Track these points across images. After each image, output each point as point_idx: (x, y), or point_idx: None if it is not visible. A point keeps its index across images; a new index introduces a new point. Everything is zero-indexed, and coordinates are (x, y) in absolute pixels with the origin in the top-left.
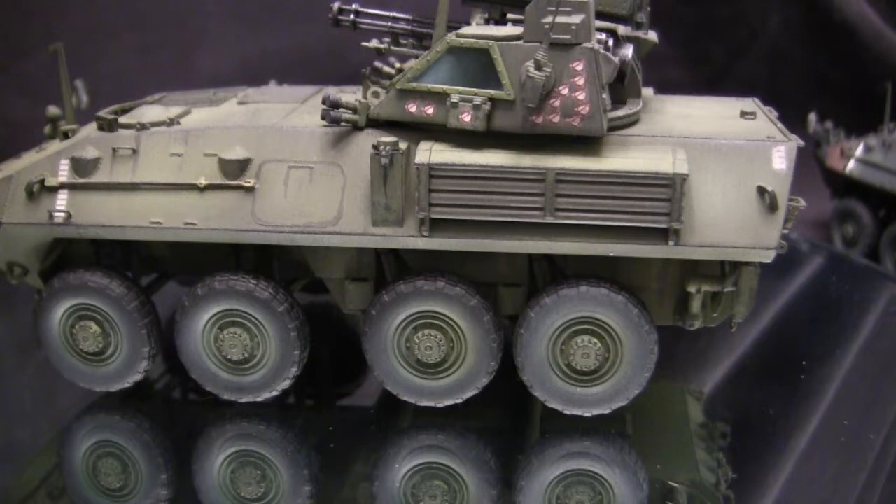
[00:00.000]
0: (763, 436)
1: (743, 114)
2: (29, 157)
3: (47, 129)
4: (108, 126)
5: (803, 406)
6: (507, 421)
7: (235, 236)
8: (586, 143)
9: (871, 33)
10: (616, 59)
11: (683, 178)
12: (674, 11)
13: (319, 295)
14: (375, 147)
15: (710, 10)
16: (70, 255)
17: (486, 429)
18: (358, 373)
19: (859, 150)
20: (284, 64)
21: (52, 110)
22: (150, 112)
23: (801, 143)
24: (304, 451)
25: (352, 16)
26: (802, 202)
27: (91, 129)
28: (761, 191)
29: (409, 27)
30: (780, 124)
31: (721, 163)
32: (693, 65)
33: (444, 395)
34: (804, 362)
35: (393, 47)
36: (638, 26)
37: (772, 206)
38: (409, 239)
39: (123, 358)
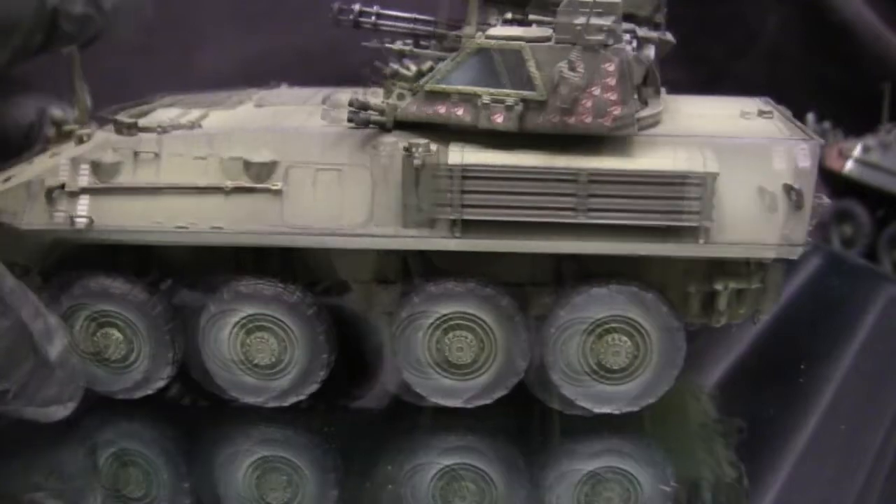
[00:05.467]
0: (763, 436)
1: (760, 112)
2: (42, 163)
3: (52, 132)
4: (128, 130)
5: (802, 406)
6: (528, 418)
7: (264, 240)
8: (614, 143)
9: (869, 34)
10: (645, 60)
11: (714, 176)
12: (673, 11)
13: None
14: (407, 149)
15: (710, 10)
16: (74, 253)
17: (510, 426)
18: (375, 372)
19: (857, 151)
20: (284, 64)
21: (58, 114)
22: (168, 115)
23: (823, 141)
24: (330, 455)
25: (373, 18)
26: (826, 199)
27: (107, 132)
28: (787, 189)
29: (430, 28)
30: (798, 123)
31: (747, 162)
32: (692, 65)
33: (475, 396)
34: (803, 365)
35: (415, 49)
36: (656, 27)
37: (798, 204)
38: (441, 240)
39: (147, 364)
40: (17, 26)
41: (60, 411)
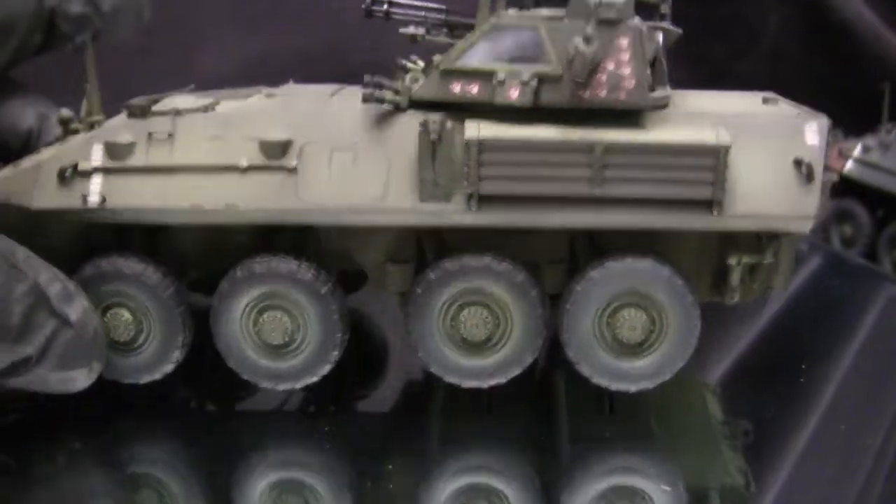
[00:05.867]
0: (763, 436)
1: (765, 100)
2: (50, 152)
3: (58, 131)
4: (142, 112)
5: (803, 406)
6: (538, 427)
7: (279, 217)
8: (628, 119)
9: (869, 34)
10: (658, 38)
11: (727, 148)
12: (675, 11)
13: None
14: (423, 124)
15: (712, 10)
16: (84, 241)
17: (521, 438)
18: (380, 375)
19: (857, 151)
20: (284, 65)
21: (65, 112)
22: (181, 101)
23: (830, 120)
24: (346, 475)
25: (385, 6)
26: (834, 175)
27: (119, 119)
28: (798, 163)
29: (442, 17)
30: (804, 108)
31: (757, 138)
32: (694, 64)
33: (490, 374)
34: (803, 365)
35: (427, 36)
36: (662, 17)
37: (808, 177)
38: (458, 215)
39: (156, 347)
40: (15, 26)
41: (83, 378)
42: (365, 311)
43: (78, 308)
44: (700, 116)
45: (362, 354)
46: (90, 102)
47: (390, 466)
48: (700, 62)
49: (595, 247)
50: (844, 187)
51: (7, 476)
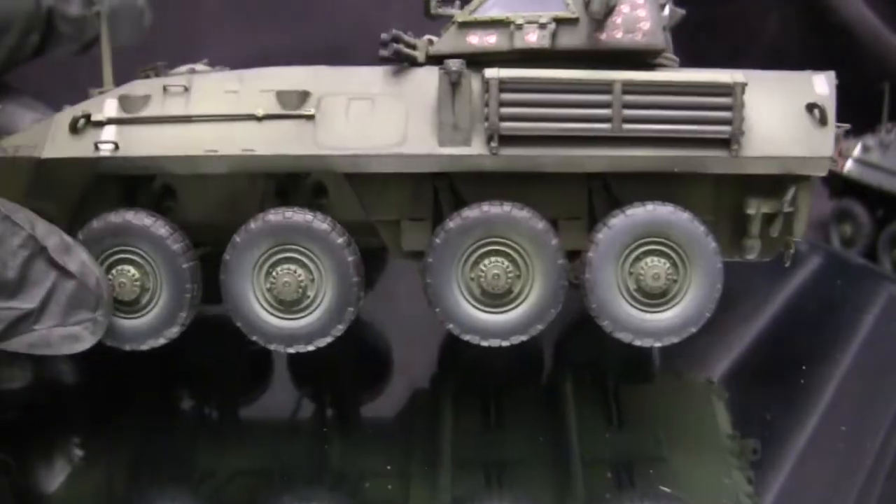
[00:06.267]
0: (764, 436)
1: None
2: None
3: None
4: (157, 73)
5: (802, 407)
6: (546, 442)
7: (296, 163)
8: (643, 67)
9: (869, 34)
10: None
11: (743, 86)
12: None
13: None
14: (443, 66)
15: (711, 11)
16: (93, 196)
17: (530, 455)
18: (384, 383)
19: (857, 151)
20: (284, 65)
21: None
22: (193, 67)
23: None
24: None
25: None
26: (847, 125)
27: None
28: (811, 107)
29: None
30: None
31: (770, 87)
32: (693, 64)
33: (511, 330)
34: (804, 366)
35: (440, 10)
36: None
37: (822, 121)
38: (478, 158)
39: (162, 307)
40: (10, 26)
41: (88, 334)
42: (367, 319)
43: (77, 259)
44: (708, 71)
45: (366, 364)
46: (104, 75)
47: (389, 467)
48: (700, 62)
49: (613, 200)
50: (844, 187)
51: (7, 476)
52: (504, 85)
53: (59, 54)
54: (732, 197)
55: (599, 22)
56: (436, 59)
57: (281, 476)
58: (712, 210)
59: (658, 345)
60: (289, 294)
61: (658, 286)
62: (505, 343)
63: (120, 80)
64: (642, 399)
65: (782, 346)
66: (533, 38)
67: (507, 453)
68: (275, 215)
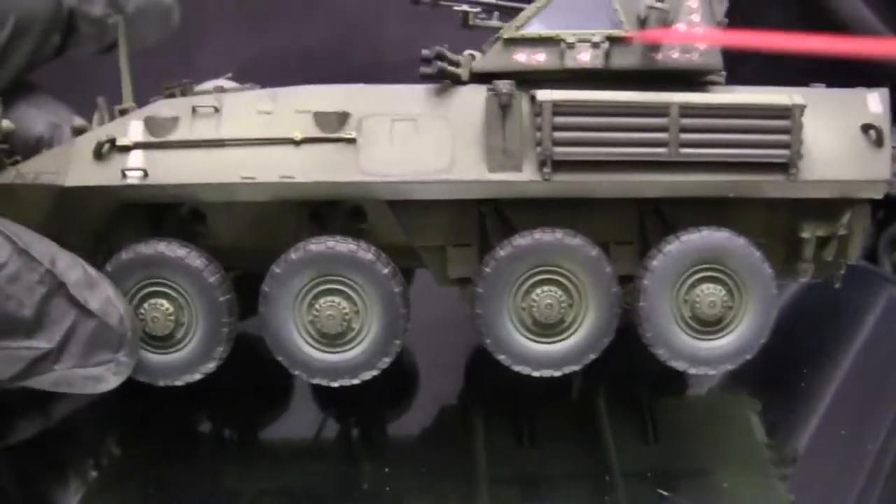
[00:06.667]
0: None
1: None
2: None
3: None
4: (182, 92)
5: (803, 410)
6: (586, 466)
7: (338, 190)
8: (695, 86)
9: (869, 34)
10: (725, 1)
11: (802, 108)
12: None
13: None
14: (492, 88)
15: None
16: (116, 226)
17: (568, 470)
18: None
19: None
20: (284, 66)
21: (78, 122)
22: (220, 84)
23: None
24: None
25: None
26: None
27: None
28: (866, 128)
29: (492, 0)
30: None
31: (823, 107)
32: None
33: (564, 361)
34: (805, 369)
35: (478, 20)
36: None
37: (878, 142)
38: (530, 185)
39: (197, 342)
40: (32, 27)
41: (111, 375)
42: None
43: (100, 295)
44: (762, 90)
45: (391, 381)
46: (123, 89)
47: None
48: None
49: (664, 224)
50: None
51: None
52: (558, 108)
53: (79, 54)
54: (785, 219)
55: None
56: (480, 77)
57: (310, 497)
58: (765, 232)
59: (713, 372)
60: (332, 327)
61: (714, 314)
62: (557, 373)
63: (118, 79)
64: (676, 411)
65: (783, 347)
66: (586, 57)
67: (544, 468)
68: (317, 245)
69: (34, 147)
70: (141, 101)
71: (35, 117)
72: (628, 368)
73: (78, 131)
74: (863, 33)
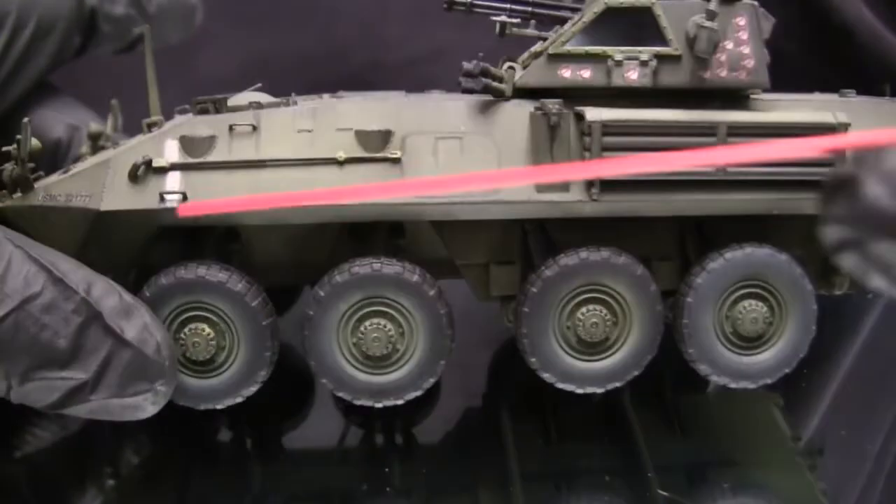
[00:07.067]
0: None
1: (841, 94)
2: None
3: (85, 147)
4: (216, 108)
5: (803, 410)
6: (618, 461)
7: (385, 211)
8: (741, 103)
9: (869, 35)
10: (771, 19)
11: (846, 126)
12: None
13: None
14: (540, 107)
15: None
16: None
17: (600, 467)
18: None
19: None
20: (284, 68)
21: (94, 127)
22: (253, 97)
23: None
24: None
25: None
26: None
27: (184, 118)
28: None
29: (528, 9)
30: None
31: (863, 120)
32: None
33: (608, 378)
34: (804, 370)
35: (515, 29)
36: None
37: None
38: (577, 204)
39: (240, 366)
40: (54, 28)
41: (149, 405)
42: None
43: (137, 323)
44: (802, 103)
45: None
46: (150, 102)
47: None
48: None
49: (705, 241)
50: None
51: None
52: (607, 128)
53: (100, 53)
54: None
55: (705, 60)
56: (523, 92)
57: (342, 499)
58: (801, 245)
59: (753, 387)
60: (378, 350)
61: (755, 329)
62: (600, 390)
63: (131, 88)
64: (701, 407)
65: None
66: (634, 75)
67: (574, 463)
68: (361, 267)
69: (53, 150)
70: (144, 104)
71: (53, 120)
72: (650, 364)
73: (94, 137)
74: (863, 33)
